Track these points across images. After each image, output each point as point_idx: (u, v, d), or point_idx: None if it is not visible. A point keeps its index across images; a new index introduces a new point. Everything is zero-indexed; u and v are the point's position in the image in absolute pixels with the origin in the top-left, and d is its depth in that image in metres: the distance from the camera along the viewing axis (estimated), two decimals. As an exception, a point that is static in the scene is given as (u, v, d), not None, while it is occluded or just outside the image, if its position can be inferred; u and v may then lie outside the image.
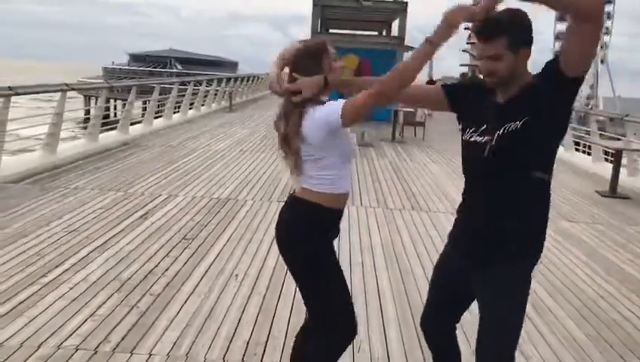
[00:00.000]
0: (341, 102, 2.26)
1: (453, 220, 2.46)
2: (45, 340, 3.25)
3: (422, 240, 5.65)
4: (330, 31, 20.75)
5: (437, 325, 2.51)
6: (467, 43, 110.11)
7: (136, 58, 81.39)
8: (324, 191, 2.38)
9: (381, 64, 19.44)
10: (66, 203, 6.17)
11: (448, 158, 11.04)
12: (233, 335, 3.44)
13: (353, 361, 3.24)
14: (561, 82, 2.04)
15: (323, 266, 2.45)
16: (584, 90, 74.74)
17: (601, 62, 73.85)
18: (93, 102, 36.02)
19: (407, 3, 16.74)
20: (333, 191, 2.40)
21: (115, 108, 32.37)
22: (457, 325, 2.53)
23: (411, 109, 14.35)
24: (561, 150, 11.16)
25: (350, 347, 3.38)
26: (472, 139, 2.21)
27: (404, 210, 6.80)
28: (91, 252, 4.74)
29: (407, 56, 14.92)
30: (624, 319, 4.07)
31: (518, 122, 2.07)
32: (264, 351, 3.30)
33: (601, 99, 72.31)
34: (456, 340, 2.54)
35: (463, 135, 2.27)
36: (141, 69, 72.87)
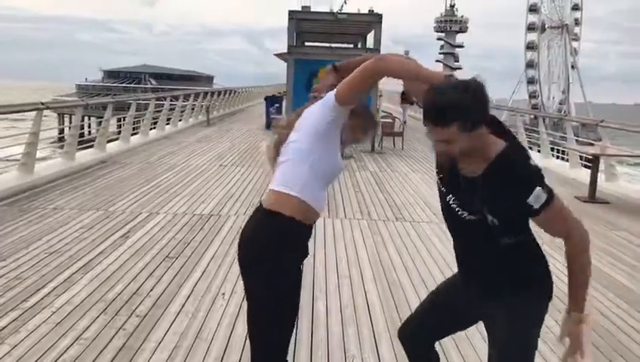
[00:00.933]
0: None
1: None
2: (29, 367, 3.16)
3: (408, 251, 5.64)
4: (307, 44, 20.79)
5: (417, 340, 2.44)
6: (440, 53, 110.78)
7: (110, 74, 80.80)
8: (304, 198, 2.17)
9: (358, 76, 19.53)
10: (45, 223, 6.05)
11: (428, 167, 11.09)
12: (223, 356, 3.38)
13: (347, 377, 3.20)
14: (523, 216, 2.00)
15: (290, 297, 2.25)
16: (556, 96, 75.94)
17: (572, 67, 75.16)
18: (67, 120, 35.59)
19: (381, 15, 16.83)
20: (311, 203, 2.20)
21: (89, 126, 31.96)
22: None
23: (390, 120, 14.46)
24: (537, 156, 11.39)
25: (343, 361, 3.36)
26: (442, 189, 2.15)
27: (389, 221, 6.80)
28: (74, 273, 4.63)
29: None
30: (612, 324, 4.10)
31: (495, 219, 2.00)
32: (256, 370, 3.24)
33: (573, 105, 73.53)
34: (435, 350, 2.48)
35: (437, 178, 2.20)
36: (115, 85, 72.49)
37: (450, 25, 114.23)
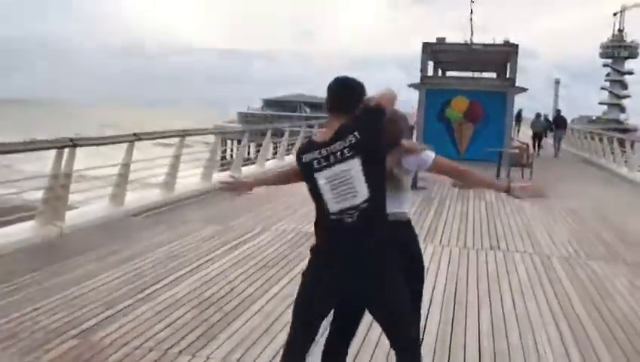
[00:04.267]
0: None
1: None
2: (129, 342, 3.98)
3: (487, 278, 5.86)
4: (444, 73, 21.06)
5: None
6: (606, 80, 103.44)
7: (268, 103, 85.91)
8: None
9: (492, 106, 19.27)
10: (173, 233, 7.09)
11: (548, 201, 10.90)
12: (279, 349, 3.95)
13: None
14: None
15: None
16: None
17: None
18: (229, 143, 38.75)
19: (517, 45, 16.70)
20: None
21: (231, 150, 34.42)
22: None
23: (516, 150, 14.30)
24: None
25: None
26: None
27: (482, 250, 7.00)
28: (183, 274, 5.51)
29: (516, 97, 14.95)
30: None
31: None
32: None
33: None
34: None
35: None
36: (271, 113, 77.01)
37: (619, 50, 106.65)
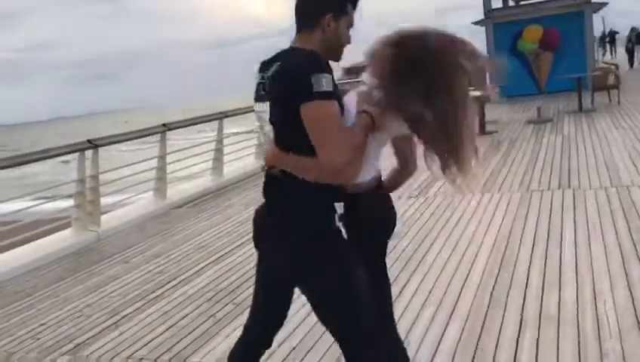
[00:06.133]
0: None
1: None
2: (120, 352, 3.61)
3: (549, 220, 5.05)
4: (511, 4, 19.32)
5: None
6: None
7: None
8: None
9: (570, 28, 17.35)
10: (211, 221, 6.73)
11: (636, 124, 9.57)
12: (283, 341, 3.44)
13: None
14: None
15: None
16: None
17: None
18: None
19: (586, -45, 14.86)
20: None
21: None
22: None
23: (598, 72, 12.80)
24: None
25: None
26: None
27: (547, 191, 6.08)
28: (205, 266, 5.11)
29: (595, 17, 13.41)
30: None
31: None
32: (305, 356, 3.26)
33: None
34: None
35: None
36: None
37: None
